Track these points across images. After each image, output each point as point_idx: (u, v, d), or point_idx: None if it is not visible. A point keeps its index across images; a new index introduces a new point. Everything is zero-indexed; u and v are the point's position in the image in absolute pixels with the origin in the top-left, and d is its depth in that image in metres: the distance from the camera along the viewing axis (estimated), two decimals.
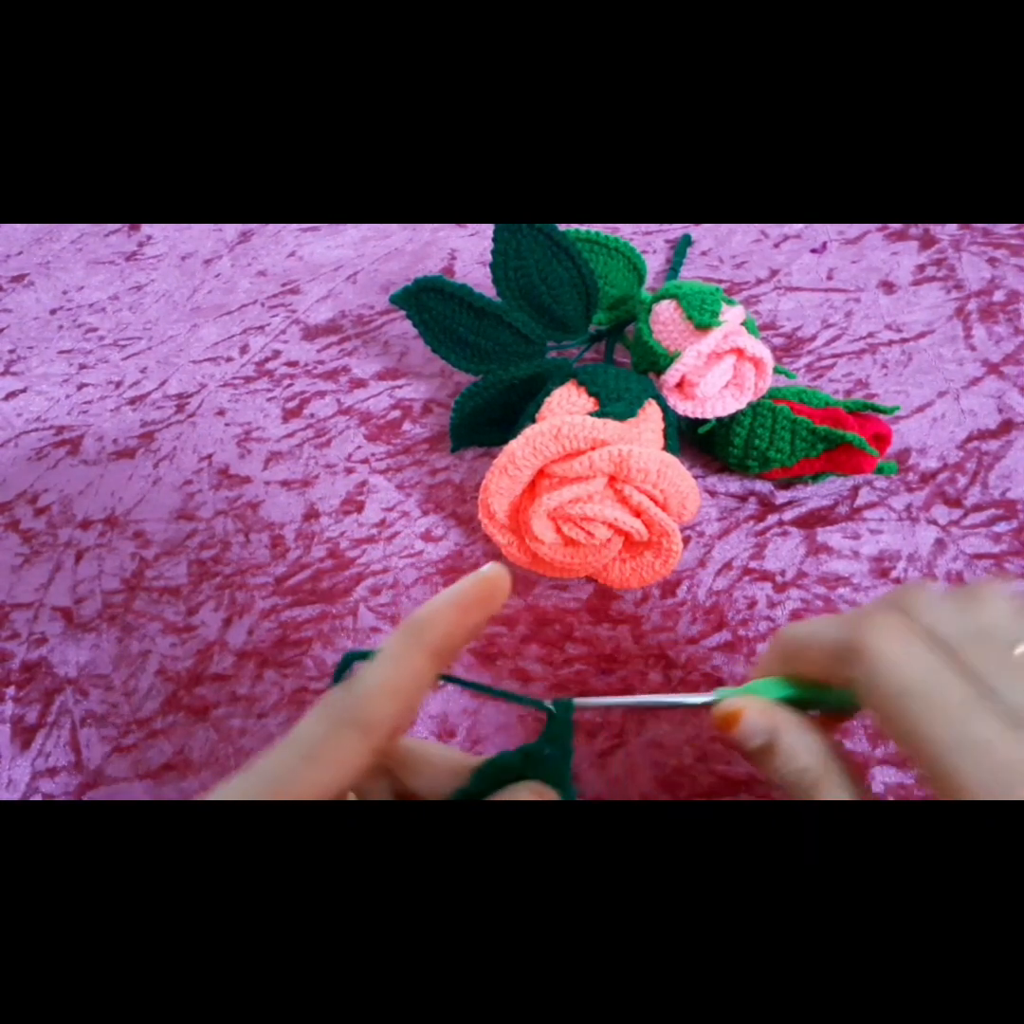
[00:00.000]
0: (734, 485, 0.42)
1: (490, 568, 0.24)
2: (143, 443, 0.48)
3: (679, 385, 0.40)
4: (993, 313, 0.47)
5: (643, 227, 0.55)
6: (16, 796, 0.36)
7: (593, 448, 0.35)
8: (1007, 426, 0.42)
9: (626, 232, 0.55)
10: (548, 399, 0.39)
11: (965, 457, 0.41)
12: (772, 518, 0.40)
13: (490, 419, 0.43)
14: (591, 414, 0.37)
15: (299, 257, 0.58)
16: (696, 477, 0.42)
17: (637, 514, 0.37)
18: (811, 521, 0.40)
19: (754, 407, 0.40)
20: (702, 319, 0.39)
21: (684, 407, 0.40)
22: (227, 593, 0.41)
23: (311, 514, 0.43)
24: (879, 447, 0.38)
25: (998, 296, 0.48)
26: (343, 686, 0.22)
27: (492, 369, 0.43)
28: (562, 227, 0.42)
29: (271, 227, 0.60)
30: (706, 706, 0.25)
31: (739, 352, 0.39)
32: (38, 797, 0.36)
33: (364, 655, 0.23)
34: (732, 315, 0.39)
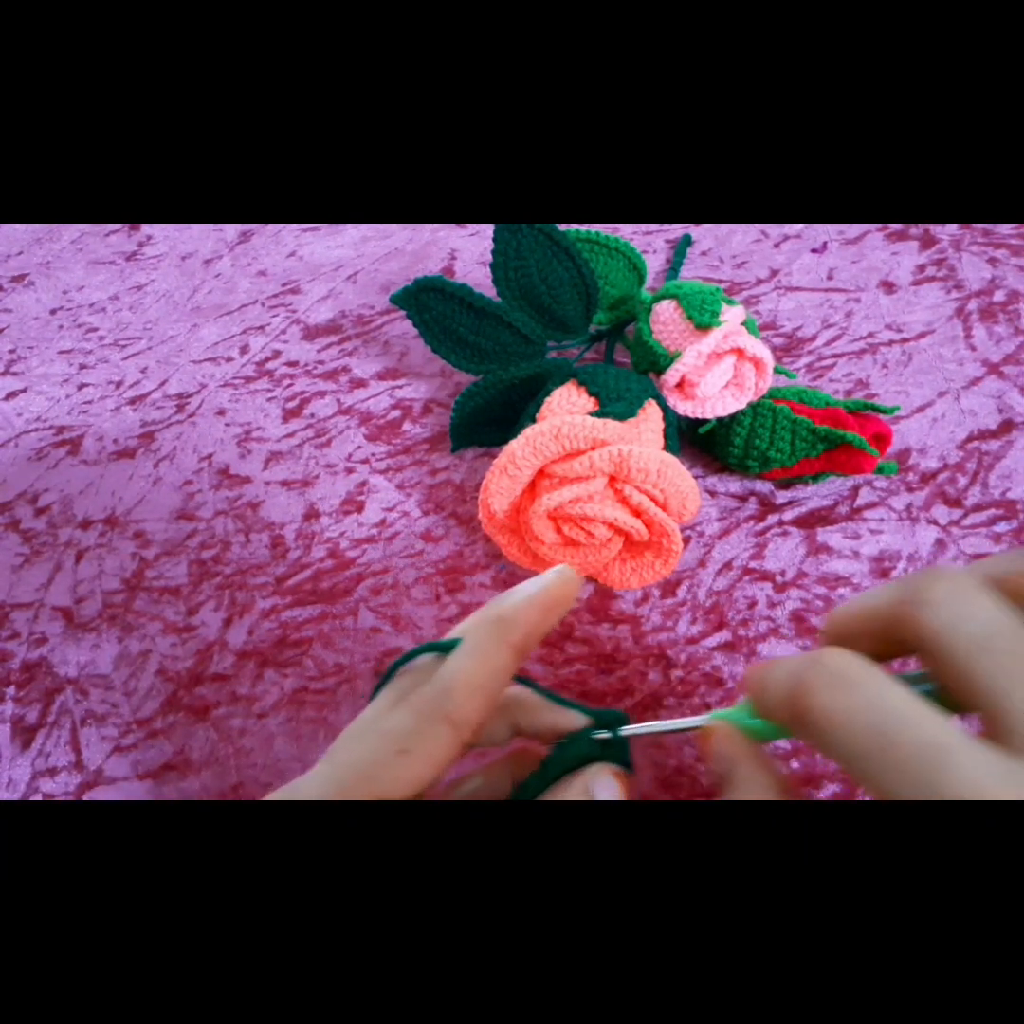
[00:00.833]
0: (734, 485, 0.42)
1: (566, 569, 0.25)
2: (143, 443, 0.48)
3: (679, 385, 0.40)
4: (993, 313, 0.47)
5: (643, 227, 0.55)
6: (16, 796, 0.36)
7: (593, 448, 0.35)
8: (1007, 426, 0.42)
9: (626, 232, 0.55)
10: (548, 399, 0.39)
11: (965, 457, 0.41)
12: (772, 518, 0.40)
13: (490, 419, 0.43)
14: (591, 414, 0.37)
15: (299, 257, 0.58)
16: (696, 477, 0.42)
17: (637, 514, 0.37)
18: (811, 521, 0.40)
19: (754, 407, 0.40)
20: (702, 319, 0.39)
21: (684, 407, 0.40)
22: (227, 593, 0.41)
23: (311, 514, 0.43)
24: (879, 447, 0.38)
25: (998, 296, 0.48)
26: (427, 679, 0.22)
27: (492, 369, 0.43)
28: (562, 227, 0.42)
29: (271, 227, 0.60)
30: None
31: (739, 352, 0.39)
32: (38, 797, 0.36)
33: (444, 647, 0.23)
34: (732, 315, 0.39)
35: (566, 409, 0.38)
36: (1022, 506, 0.39)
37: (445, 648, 0.23)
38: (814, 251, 0.52)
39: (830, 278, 0.50)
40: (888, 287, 0.49)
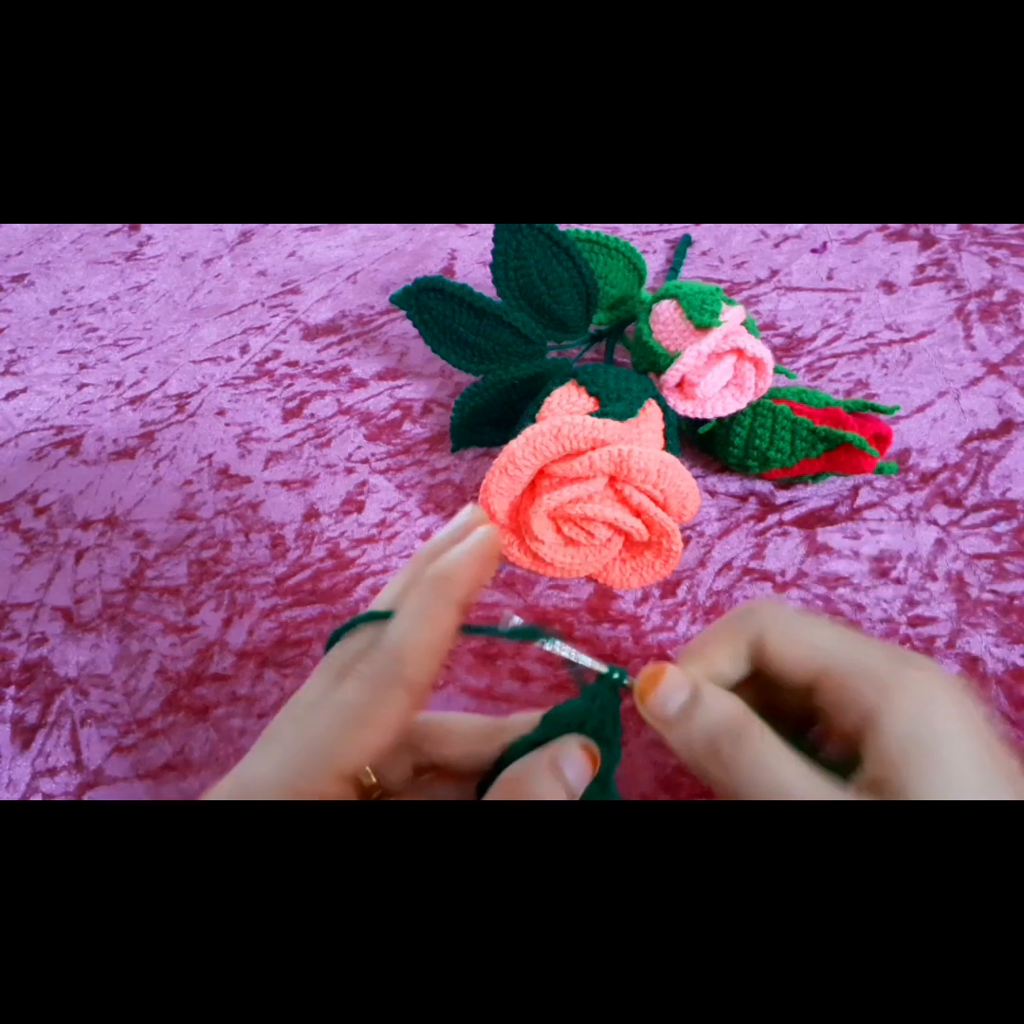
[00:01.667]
0: (734, 485, 0.42)
1: (476, 508, 0.25)
2: (143, 443, 0.48)
3: (679, 385, 0.40)
4: (993, 313, 0.47)
5: (643, 227, 0.55)
6: (16, 796, 0.36)
7: (593, 448, 0.35)
8: (1007, 426, 0.42)
9: (626, 232, 0.55)
10: (548, 399, 0.39)
11: (965, 457, 0.41)
12: (772, 518, 0.40)
13: (490, 419, 0.43)
14: (591, 414, 0.37)
15: (299, 257, 0.58)
16: (696, 477, 0.42)
17: (637, 514, 0.37)
18: (811, 521, 0.40)
19: (754, 407, 0.40)
20: (702, 319, 0.39)
21: (684, 407, 0.40)
22: (227, 593, 0.41)
23: (311, 514, 0.43)
24: (879, 447, 0.38)
25: (998, 296, 0.48)
26: (369, 650, 0.22)
27: (492, 369, 0.43)
28: (562, 227, 0.42)
29: (271, 227, 0.60)
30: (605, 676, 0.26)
31: (739, 352, 0.39)
32: (38, 797, 0.36)
33: (378, 617, 0.23)
34: (732, 315, 0.39)
35: (566, 409, 0.38)
36: (1022, 506, 0.39)
37: (381, 617, 0.23)
38: (814, 251, 0.52)
39: (830, 278, 0.50)
40: (888, 287, 0.49)
